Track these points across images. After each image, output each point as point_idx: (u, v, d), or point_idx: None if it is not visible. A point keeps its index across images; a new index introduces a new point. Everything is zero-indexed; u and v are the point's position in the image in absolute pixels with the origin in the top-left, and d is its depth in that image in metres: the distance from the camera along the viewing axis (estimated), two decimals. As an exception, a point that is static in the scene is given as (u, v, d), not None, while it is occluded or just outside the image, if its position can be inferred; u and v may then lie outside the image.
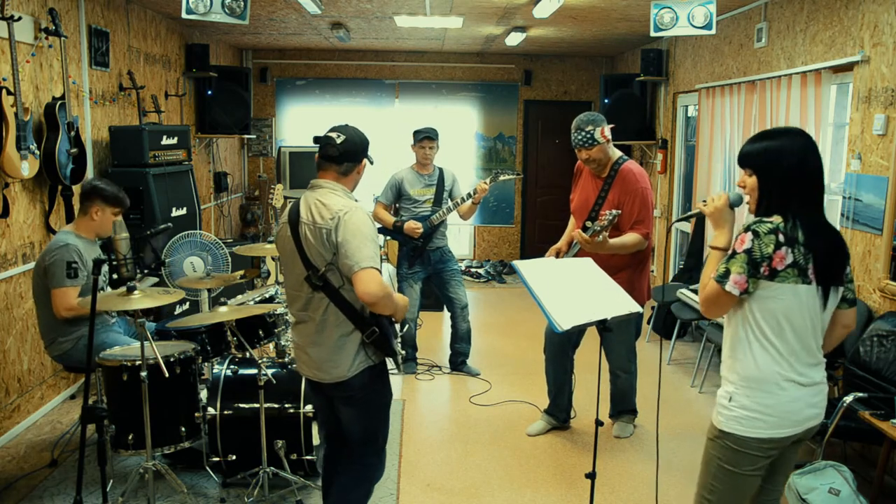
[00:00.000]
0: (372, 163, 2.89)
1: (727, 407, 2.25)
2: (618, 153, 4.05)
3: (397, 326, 2.94)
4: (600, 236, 3.70)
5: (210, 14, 4.25)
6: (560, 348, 4.25)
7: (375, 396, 2.80)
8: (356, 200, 2.72)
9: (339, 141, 2.67)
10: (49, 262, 3.57)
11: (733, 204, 2.31)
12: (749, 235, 2.14)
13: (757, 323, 2.19)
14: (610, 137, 3.95)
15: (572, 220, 4.30)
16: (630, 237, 3.88)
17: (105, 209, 3.76)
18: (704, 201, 2.36)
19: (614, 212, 3.64)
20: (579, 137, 3.91)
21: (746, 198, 2.29)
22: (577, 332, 4.19)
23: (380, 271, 2.56)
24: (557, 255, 4.16)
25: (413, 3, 5.78)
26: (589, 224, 3.91)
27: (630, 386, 4.33)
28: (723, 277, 2.16)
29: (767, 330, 2.18)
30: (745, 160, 2.27)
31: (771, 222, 2.14)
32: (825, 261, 2.16)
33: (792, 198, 2.16)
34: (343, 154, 2.67)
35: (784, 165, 2.17)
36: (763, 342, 2.19)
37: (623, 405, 4.37)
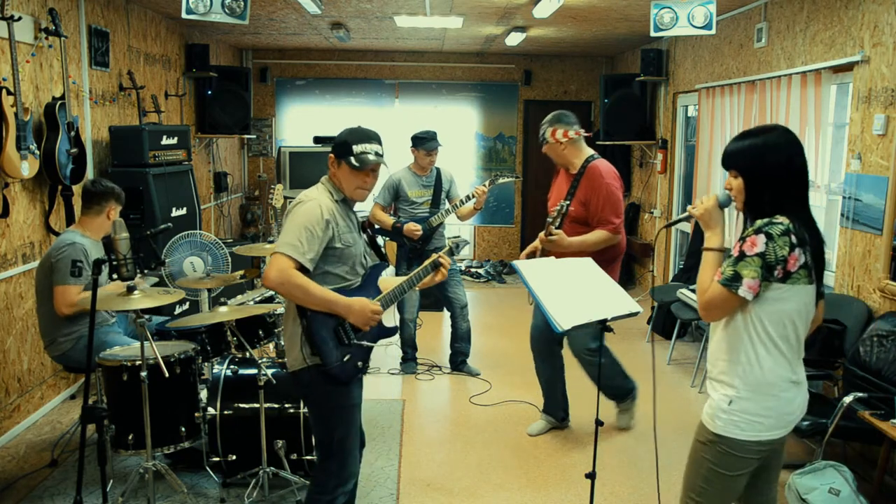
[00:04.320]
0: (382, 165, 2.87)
1: (726, 411, 2.18)
2: (589, 151, 4.09)
3: (371, 330, 2.70)
4: (552, 230, 3.78)
5: (210, 14, 4.26)
6: (546, 345, 4.26)
7: (325, 398, 2.65)
8: (339, 198, 2.66)
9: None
10: (56, 260, 3.58)
11: (723, 204, 2.27)
12: (762, 238, 2.06)
13: (763, 326, 2.13)
14: (562, 140, 4.00)
15: None
16: (593, 235, 3.92)
17: (117, 208, 3.85)
18: (694, 206, 2.32)
19: (563, 203, 3.72)
20: (539, 134, 4.11)
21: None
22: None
23: (296, 261, 2.47)
24: (534, 255, 4.13)
25: (413, 3, 5.78)
26: (549, 219, 3.96)
27: (604, 369, 4.05)
28: (731, 281, 2.09)
29: (773, 333, 2.13)
30: (729, 161, 2.22)
31: (781, 223, 2.07)
32: (819, 258, 2.14)
33: (785, 197, 2.12)
34: (331, 150, 2.71)
35: (770, 163, 2.13)
36: (768, 345, 2.14)
37: (611, 390, 4.30)
